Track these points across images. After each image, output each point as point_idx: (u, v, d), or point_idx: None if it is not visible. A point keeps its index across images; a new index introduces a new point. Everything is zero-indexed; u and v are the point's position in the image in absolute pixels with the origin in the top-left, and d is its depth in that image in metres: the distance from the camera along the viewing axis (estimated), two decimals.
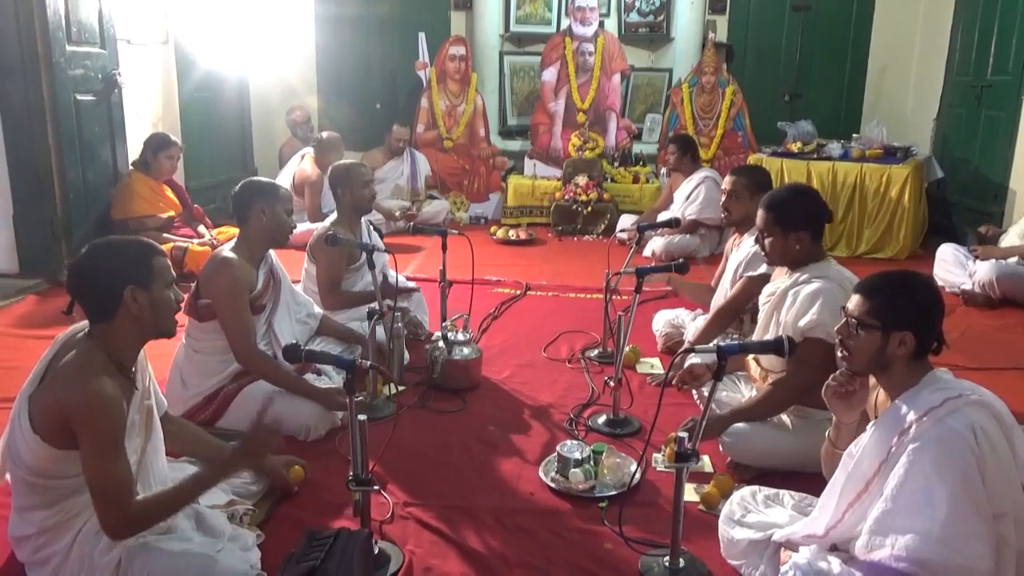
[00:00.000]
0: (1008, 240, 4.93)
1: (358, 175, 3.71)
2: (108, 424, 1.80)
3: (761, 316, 2.74)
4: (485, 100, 7.29)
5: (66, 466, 1.85)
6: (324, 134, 6.05)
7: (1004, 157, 5.78)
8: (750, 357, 2.81)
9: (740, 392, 3.01)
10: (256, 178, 3.05)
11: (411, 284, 4.05)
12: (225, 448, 2.44)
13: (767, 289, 2.80)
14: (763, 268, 3.20)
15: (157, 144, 5.04)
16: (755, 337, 2.71)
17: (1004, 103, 5.84)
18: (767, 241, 2.68)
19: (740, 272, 3.28)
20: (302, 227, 5.73)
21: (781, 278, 2.71)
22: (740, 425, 2.63)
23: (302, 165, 6.00)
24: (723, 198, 3.48)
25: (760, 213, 2.70)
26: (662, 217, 5.48)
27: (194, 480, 1.97)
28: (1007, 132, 5.77)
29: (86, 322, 1.96)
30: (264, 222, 2.91)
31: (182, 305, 2.07)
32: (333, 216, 3.77)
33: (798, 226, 2.62)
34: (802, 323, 2.49)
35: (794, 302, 2.56)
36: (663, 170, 6.70)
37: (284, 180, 6.02)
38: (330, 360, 2.25)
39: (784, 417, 2.66)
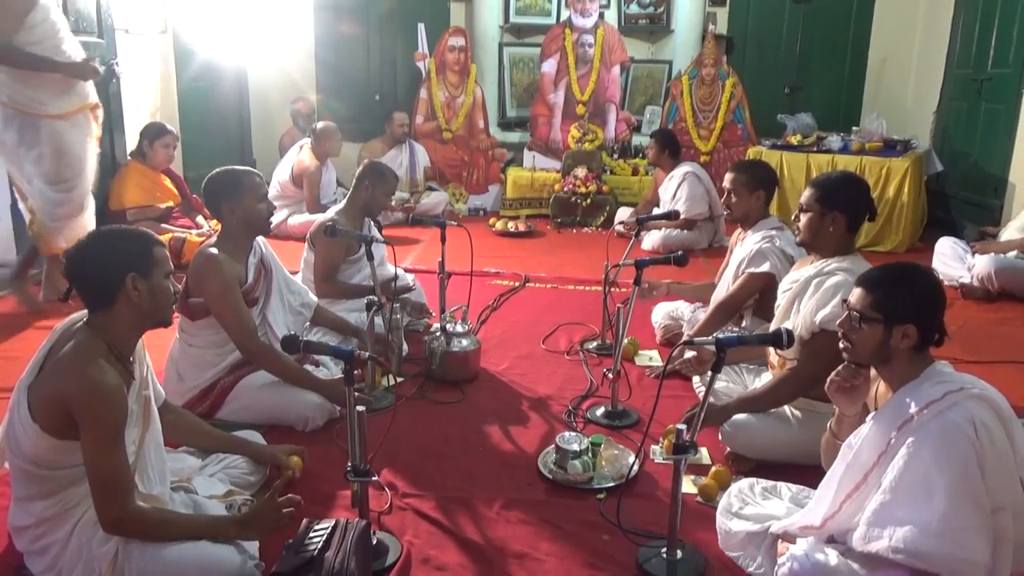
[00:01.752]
0: (1007, 234, 4.94)
1: (390, 182, 3.74)
2: (109, 413, 1.81)
3: (781, 304, 2.73)
4: (484, 91, 7.27)
5: (65, 456, 1.85)
6: (320, 124, 6.05)
7: (1004, 150, 5.77)
8: None
9: (743, 383, 3.01)
10: (218, 172, 2.91)
11: (409, 278, 4.04)
12: (225, 439, 2.46)
13: (789, 277, 2.78)
14: (766, 266, 3.19)
15: (153, 133, 5.03)
16: (774, 325, 2.70)
17: (1004, 96, 5.83)
18: (804, 217, 2.65)
19: (743, 268, 3.27)
20: (300, 218, 5.77)
21: (806, 267, 2.69)
22: (742, 416, 2.63)
23: (300, 156, 5.99)
24: (724, 195, 3.47)
25: (806, 190, 2.69)
26: (656, 212, 5.47)
27: (204, 522, 1.98)
28: (1007, 125, 5.76)
29: (84, 312, 1.96)
30: (236, 217, 2.86)
31: (178, 296, 2.07)
32: (339, 206, 3.77)
33: (837, 208, 2.59)
34: (819, 315, 2.48)
35: (816, 292, 2.54)
36: None
37: (283, 171, 6.01)
38: (329, 351, 2.25)
39: (787, 410, 2.66)
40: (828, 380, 2.02)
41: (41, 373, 1.87)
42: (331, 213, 3.72)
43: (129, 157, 5.14)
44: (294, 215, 5.88)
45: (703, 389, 2.94)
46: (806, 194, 2.68)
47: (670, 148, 5.87)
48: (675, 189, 5.72)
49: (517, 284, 4.81)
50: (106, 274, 1.91)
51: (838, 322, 1.96)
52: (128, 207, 4.94)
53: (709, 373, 2.04)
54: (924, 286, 1.86)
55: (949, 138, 6.63)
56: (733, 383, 3.02)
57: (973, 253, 4.84)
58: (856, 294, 1.90)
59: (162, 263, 1.99)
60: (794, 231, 2.81)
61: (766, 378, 2.84)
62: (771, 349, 2.76)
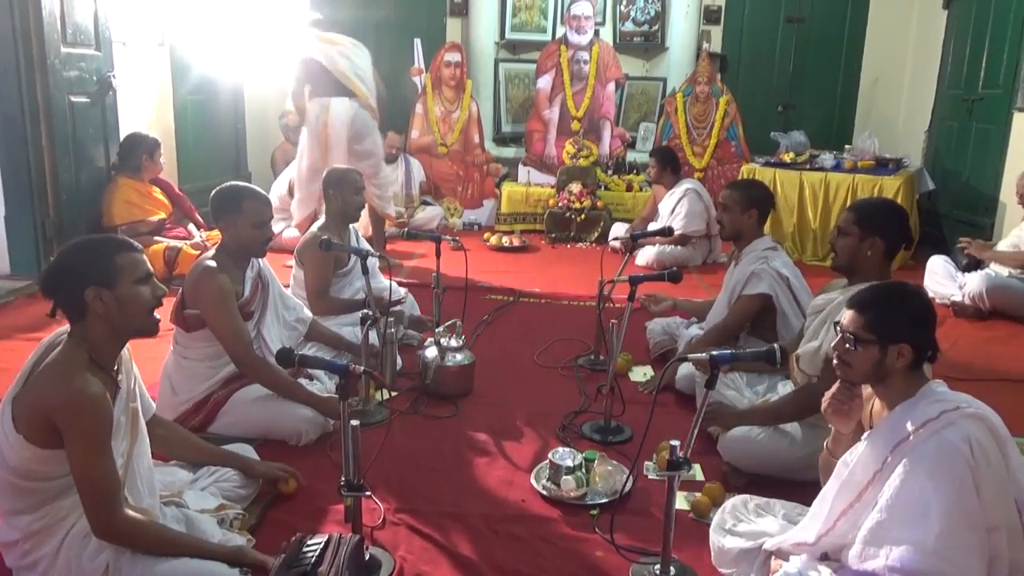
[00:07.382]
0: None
1: (352, 181, 3.75)
2: (93, 421, 1.79)
3: (811, 326, 2.70)
4: (480, 107, 7.31)
5: (51, 466, 1.83)
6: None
7: (994, 170, 5.82)
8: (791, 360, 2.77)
9: (742, 394, 3.01)
10: (226, 187, 2.92)
11: (402, 291, 4.03)
12: (216, 452, 2.44)
13: (818, 301, 2.75)
14: (762, 287, 3.19)
15: (150, 146, 5.01)
16: (801, 345, 2.69)
17: (995, 116, 5.89)
18: (842, 240, 2.64)
19: (738, 291, 3.27)
20: (294, 232, 5.76)
21: (836, 292, 2.67)
22: (741, 428, 2.63)
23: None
24: (718, 210, 3.49)
25: (845, 213, 2.68)
26: (651, 228, 5.49)
27: (197, 543, 1.96)
28: (997, 145, 5.81)
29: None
30: (231, 236, 2.89)
31: (163, 301, 2.02)
32: (320, 221, 3.78)
33: (877, 233, 2.57)
34: None
35: None
36: None
37: (281, 185, 6.05)
38: (323, 365, 2.25)
39: (789, 425, 2.66)
40: (824, 401, 2.02)
41: (25, 384, 1.85)
42: (313, 229, 3.73)
43: (112, 171, 5.08)
44: (289, 229, 5.87)
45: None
46: (845, 217, 2.66)
47: (671, 165, 5.90)
48: (675, 205, 5.75)
49: (510, 299, 4.82)
50: (67, 290, 1.87)
51: (832, 344, 1.96)
52: (118, 224, 4.90)
53: (704, 389, 2.05)
54: (915, 304, 1.87)
55: (940, 157, 6.68)
56: (732, 388, 3.01)
57: (965, 255, 4.86)
58: (848, 316, 1.90)
59: (130, 269, 1.91)
60: (830, 254, 2.80)
61: (763, 387, 2.84)
62: (793, 366, 2.75)
